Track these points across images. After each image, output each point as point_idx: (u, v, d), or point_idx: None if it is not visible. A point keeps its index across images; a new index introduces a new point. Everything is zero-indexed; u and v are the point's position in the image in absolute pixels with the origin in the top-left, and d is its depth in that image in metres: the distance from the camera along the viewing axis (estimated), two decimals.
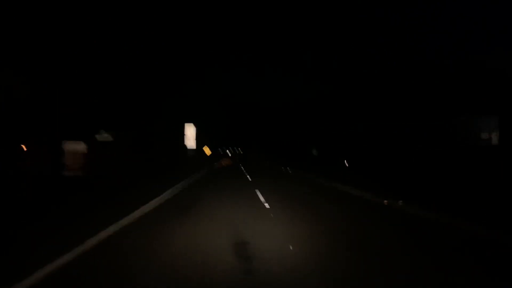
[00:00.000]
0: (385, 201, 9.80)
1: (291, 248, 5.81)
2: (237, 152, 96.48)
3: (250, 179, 20.57)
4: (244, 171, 28.57)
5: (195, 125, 35.29)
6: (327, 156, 36.25)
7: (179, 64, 32.49)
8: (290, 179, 21.32)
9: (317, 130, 41.45)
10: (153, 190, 11.95)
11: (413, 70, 21.35)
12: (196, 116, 37.72)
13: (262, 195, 12.52)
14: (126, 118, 21.68)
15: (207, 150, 36.67)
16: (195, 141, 29.65)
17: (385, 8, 22.34)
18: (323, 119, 39.24)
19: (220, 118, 72.01)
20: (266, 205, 10.66)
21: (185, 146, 30.98)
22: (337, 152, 32.87)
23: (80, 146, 17.87)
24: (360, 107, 29.70)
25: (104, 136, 19.61)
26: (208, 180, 19.53)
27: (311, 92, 44.79)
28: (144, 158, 23.84)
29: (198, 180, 19.37)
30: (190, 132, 29.58)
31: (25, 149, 15.30)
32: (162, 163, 26.46)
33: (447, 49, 19.46)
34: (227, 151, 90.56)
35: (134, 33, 20.90)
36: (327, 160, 34.81)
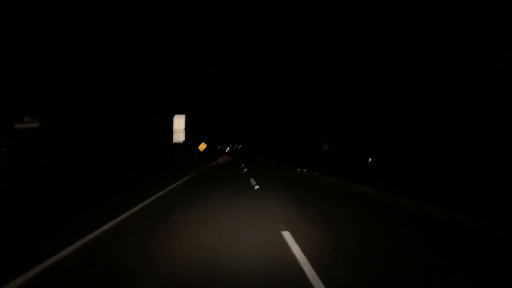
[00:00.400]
0: None
1: None
2: (238, 149, 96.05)
3: (259, 192, 12.17)
4: (249, 176, 19.30)
5: (193, 123, 33.31)
6: (341, 153, 32.29)
7: (179, 63, 32.17)
8: (325, 191, 13.28)
9: (323, 127, 39.64)
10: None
11: (413, 70, 21.08)
12: (195, 115, 37.13)
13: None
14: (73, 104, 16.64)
15: (202, 146, 33.41)
16: (184, 132, 23.22)
17: (385, 8, 22.20)
18: (327, 117, 38.61)
19: (221, 117, 71.94)
20: None
21: (172, 145, 25.26)
22: (352, 150, 30.08)
23: None
24: (361, 106, 29.44)
25: (28, 124, 13.81)
26: (186, 200, 10.09)
27: (311, 91, 44.67)
28: (101, 158, 18.62)
29: (165, 204, 9.52)
30: (178, 124, 23.31)
31: None
32: (125, 167, 20.31)
33: (447, 49, 19.32)
34: (227, 149, 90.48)
35: (133, 33, 20.62)
36: (341, 157, 30.87)
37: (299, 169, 24.86)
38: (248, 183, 15.44)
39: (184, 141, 24.80)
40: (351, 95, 32.09)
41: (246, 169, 26.49)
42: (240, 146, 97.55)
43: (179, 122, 23.01)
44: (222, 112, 73.38)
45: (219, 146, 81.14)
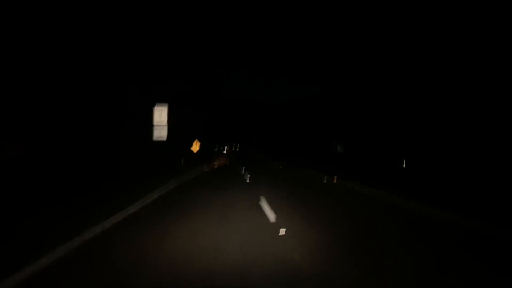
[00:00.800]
0: None
1: None
2: (237, 150, 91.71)
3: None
4: (256, 189, 13.96)
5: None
6: (359, 154, 27.77)
7: (179, 63, 29.25)
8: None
9: (334, 126, 35.11)
10: None
11: (416, 68, 19.24)
12: (191, 113, 33.83)
13: None
14: None
15: (195, 147, 28.49)
16: (166, 127, 18.10)
17: None
18: (339, 114, 34.58)
19: (218, 116, 68.00)
20: None
21: (158, 146, 20.70)
22: (374, 151, 25.37)
23: None
24: (380, 99, 25.83)
25: None
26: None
27: (320, 86, 42.14)
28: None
29: None
30: (160, 117, 17.90)
31: None
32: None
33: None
34: (225, 150, 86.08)
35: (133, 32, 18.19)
36: (360, 160, 26.37)
37: (326, 177, 18.61)
38: (258, 210, 8.96)
39: (172, 141, 19.92)
40: (368, 87, 28.18)
41: (249, 177, 20.14)
42: (238, 147, 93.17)
43: (160, 115, 17.09)
44: (220, 110, 69.69)
45: (216, 148, 76.71)
